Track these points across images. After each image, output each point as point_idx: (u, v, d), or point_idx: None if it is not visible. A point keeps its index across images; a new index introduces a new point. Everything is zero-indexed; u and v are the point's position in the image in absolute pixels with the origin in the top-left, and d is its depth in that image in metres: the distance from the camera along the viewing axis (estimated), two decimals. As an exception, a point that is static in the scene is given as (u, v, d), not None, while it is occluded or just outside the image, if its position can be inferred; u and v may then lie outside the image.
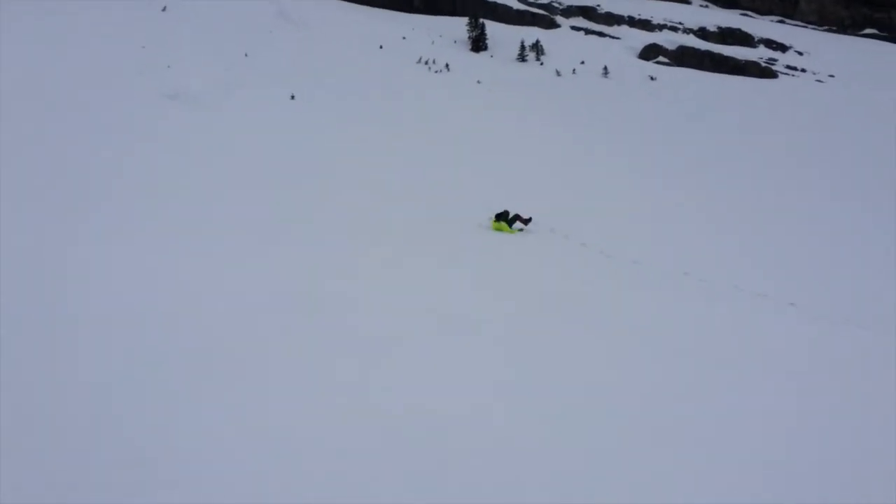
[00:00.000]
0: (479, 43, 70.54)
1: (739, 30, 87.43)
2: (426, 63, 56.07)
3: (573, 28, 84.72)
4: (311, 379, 5.90)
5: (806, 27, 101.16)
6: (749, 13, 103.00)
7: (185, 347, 6.00)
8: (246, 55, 40.53)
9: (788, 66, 78.24)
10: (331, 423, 5.09)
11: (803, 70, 77.09)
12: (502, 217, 20.25)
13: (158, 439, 4.36)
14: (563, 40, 76.45)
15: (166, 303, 7.34)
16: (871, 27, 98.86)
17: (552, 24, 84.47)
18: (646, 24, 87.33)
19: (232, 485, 4.05)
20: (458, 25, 73.53)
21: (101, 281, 8.02)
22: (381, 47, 56.54)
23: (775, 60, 79.81)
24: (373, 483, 4.32)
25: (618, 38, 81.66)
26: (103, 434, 4.36)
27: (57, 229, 11.66)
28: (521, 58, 68.31)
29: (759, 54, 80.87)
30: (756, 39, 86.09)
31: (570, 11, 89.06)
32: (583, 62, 67.72)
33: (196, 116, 27.96)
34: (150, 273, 8.83)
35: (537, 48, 69.98)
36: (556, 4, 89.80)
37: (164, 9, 46.81)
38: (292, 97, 34.68)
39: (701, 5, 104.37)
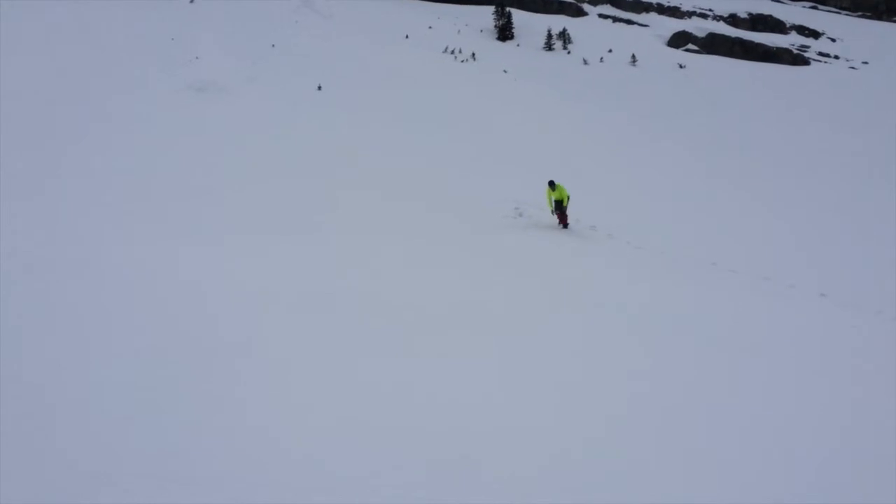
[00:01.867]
0: (505, 31, 70.15)
1: (771, 16, 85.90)
2: (452, 52, 55.92)
3: (601, 16, 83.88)
4: (332, 376, 5.93)
5: (839, 13, 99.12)
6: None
7: (198, 344, 6.02)
8: (273, 46, 40.75)
9: (821, 53, 76.81)
10: (347, 421, 5.12)
11: (836, 57, 75.63)
12: (555, 190, 19.04)
13: (179, 433, 4.39)
14: (590, 28, 75.74)
15: (180, 298, 7.40)
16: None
17: (579, 13, 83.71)
18: (675, 12, 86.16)
19: (245, 484, 4.06)
20: (485, 14, 73.18)
21: (120, 275, 8.13)
22: (406, 37, 56.46)
23: (807, 47, 78.38)
24: (392, 479, 4.33)
25: (646, 26, 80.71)
26: (124, 430, 4.41)
27: (77, 223, 11.86)
28: (548, 46, 67.82)
29: (790, 41, 79.45)
30: (788, 26, 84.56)
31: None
32: (610, 50, 67.06)
33: (224, 109, 28.22)
34: (168, 268, 8.94)
35: (564, 36, 69.42)
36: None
37: (192, 0, 47.21)
38: (319, 88, 34.82)
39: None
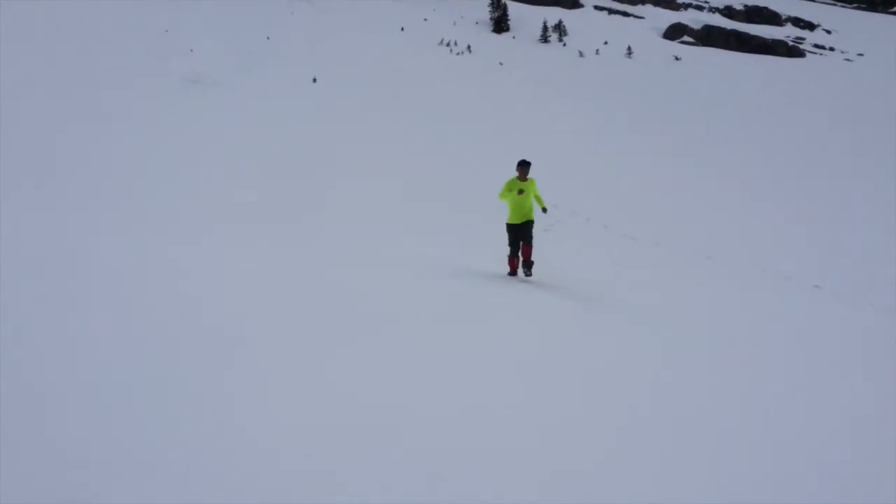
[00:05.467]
0: (501, 24, 70.09)
1: (766, 8, 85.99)
2: (448, 45, 55.79)
3: (596, 8, 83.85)
4: (317, 372, 5.89)
5: (835, 5, 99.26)
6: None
7: (192, 338, 5.94)
8: (268, 38, 40.60)
9: (816, 45, 76.92)
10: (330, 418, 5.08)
11: (831, 49, 75.73)
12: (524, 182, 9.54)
13: (169, 433, 4.34)
14: (586, 20, 75.69)
15: (175, 292, 7.34)
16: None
17: (575, 5, 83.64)
18: (670, 3, 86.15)
19: (228, 484, 3.99)
20: (481, 6, 73.07)
21: (107, 270, 8.08)
22: (402, 29, 56.31)
23: (803, 39, 78.47)
24: (375, 477, 4.29)
25: (642, 18, 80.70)
26: (111, 430, 4.37)
27: (73, 217, 11.79)
28: (544, 38, 67.76)
29: (786, 33, 79.57)
30: (783, 18, 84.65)
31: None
32: (606, 42, 67.01)
33: (218, 100, 28.09)
34: (159, 261, 8.89)
35: (560, 29, 69.36)
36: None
37: (186, -8, 47.07)
38: (314, 80, 34.71)
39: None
